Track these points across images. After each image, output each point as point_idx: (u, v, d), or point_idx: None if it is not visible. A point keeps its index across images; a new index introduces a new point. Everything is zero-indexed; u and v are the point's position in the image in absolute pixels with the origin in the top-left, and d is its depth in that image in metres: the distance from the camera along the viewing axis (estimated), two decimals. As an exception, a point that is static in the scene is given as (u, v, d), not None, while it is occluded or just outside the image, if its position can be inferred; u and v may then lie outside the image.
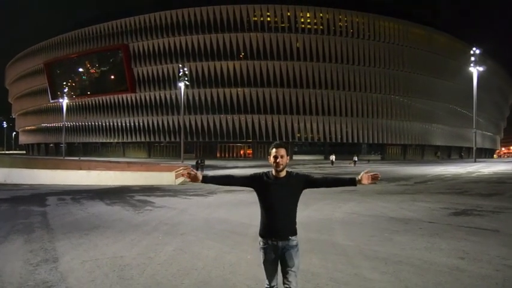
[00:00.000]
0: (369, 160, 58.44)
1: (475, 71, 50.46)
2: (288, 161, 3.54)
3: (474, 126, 52.45)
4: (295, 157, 63.49)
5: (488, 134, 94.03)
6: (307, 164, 46.82)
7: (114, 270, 5.58)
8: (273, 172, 3.54)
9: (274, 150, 3.49)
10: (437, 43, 74.33)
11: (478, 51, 51.09)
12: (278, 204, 3.47)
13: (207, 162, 36.78)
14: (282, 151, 3.48)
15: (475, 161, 50.40)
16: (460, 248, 6.67)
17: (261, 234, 3.56)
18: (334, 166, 42.63)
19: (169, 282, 5.11)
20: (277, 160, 3.45)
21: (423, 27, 73.29)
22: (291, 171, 3.60)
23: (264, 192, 3.52)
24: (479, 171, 30.32)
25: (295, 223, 3.57)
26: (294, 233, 3.53)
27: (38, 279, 5.19)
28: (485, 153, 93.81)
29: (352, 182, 3.57)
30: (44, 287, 4.94)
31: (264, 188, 3.51)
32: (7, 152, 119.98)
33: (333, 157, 46.41)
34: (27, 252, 6.66)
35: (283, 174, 3.53)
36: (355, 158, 45.87)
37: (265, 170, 3.71)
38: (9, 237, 7.81)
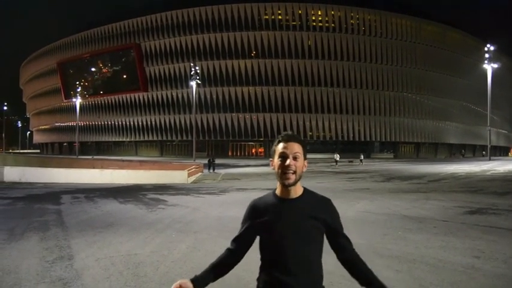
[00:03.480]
0: (361, 159, 48.17)
1: (489, 68, 49.81)
2: (306, 168, 2.08)
3: (489, 124, 51.81)
4: (307, 156, 63.31)
5: (503, 131, 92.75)
6: (319, 163, 46.64)
7: (128, 268, 5.62)
8: (278, 190, 2.06)
9: (281, 145, 2.03)
10: (450, 40, 73.60)
11: (492, 48, 50.41)
12: (289, 244, 1.96)
13: (218, 161, 36.95)
14: (296, 147, 2.02)
15: (490, 159, 49.79)
16: (475, 246, 6.59)
17: None
18: (339, 165, 39.20)
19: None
20: (288, 163, 1.98)
21: (436, 24, 72.57)
22: (310, 191, 2.11)
23: (264, 226, 2.02)
24: (494, 170, 29.97)
25: (321, 283, 2.04)
26: None
27: (54, 276, 5.24)
28: (500, 151, 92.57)
29: None
30: (60, 284, 4.99)
31: (266, 221, 2.01)
32: (22, 151, 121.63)
33: (337, 156, 41.20)
34: (43, 249, 6.74)
35: (297, 192, 2.04)
36: (362, 157, 45.34)
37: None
38: (25, 235, 7.91)
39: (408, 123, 69.80)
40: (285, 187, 2.01)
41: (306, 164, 2.08)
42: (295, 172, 1.99)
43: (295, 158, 2.01)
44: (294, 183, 2.00)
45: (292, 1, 64.63)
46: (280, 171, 2.00)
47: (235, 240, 2.14)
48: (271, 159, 2.10)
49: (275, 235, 1.97)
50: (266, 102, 64.70)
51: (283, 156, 2.01)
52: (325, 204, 2.07)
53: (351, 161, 43.16)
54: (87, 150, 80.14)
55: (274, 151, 2.06)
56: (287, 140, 2.04)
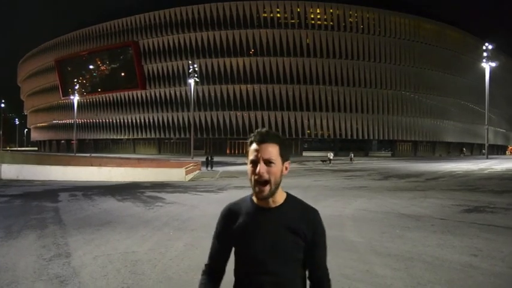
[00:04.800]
0: (351, 157, 46.17)
1: (487, 66, 49.81)
2: (287, 171, 1.75)
3: (486, 123, 51.81)
4: (305, 153, 63.39)
5: (501, 130, 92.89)
6: (317, 161, 46.70)
7: (126, 266, 5.61)
8: (255, 197, 1.76)
9: (254, 146, 1.69)
10: (448, 38, 73.61)
11: (490, 46, 50.42)
12: (265, 263, 1.69)
13: (216, 159, 37.02)
14: (270, 150, 1.67)
15: (487, 158, 49.85)
16: (472, 245, 6.60)
17: None
18: (333, 164, 38.74)
19: (180, 277, 5.12)
20: (258, 170, 1.66)
21: (434, 23, 72.54)
22: (295, 198, 1.79)
23: (240, 238, 1.75)
24: (491, 168, 29.99)
25: None
26: None
27: (51, 274, 5.23)
28: (498, 150, 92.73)
29: None
30: (57, 281, 4.97)
31: (241, 232, 1.75)
32: (19, 148, 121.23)
33: (330, 154, 40.28)
34: (40, 247, 6.72)
35: (277, 200, 1.73)
36: (352, 155, 45.06)
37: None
38: (23, 233, 7.89)
39: (406, 121, 69.85)
40: (261, 195, 1.69)
41: (287, 165, 1.74)
42: (269, 181, 1.65)
43: (270, 163, 1.66)
44: (270, 196, 1.68)
45: (291, -1, 64.60)
46: (252, 179, 1.67)
47: (211, 257, 1.87)
48: (246, 162, 1.75)
49: (249, 251, 1.71)
50: (264, 100, 64.65)
51: (254, 160, 1.67)
52: (308, 217, 1.73)
53: (324, 161, 40.15)
54: (85, 148, 79.93)
55: (248, 152, 1.72)
56: (260, 140, 1.68)
